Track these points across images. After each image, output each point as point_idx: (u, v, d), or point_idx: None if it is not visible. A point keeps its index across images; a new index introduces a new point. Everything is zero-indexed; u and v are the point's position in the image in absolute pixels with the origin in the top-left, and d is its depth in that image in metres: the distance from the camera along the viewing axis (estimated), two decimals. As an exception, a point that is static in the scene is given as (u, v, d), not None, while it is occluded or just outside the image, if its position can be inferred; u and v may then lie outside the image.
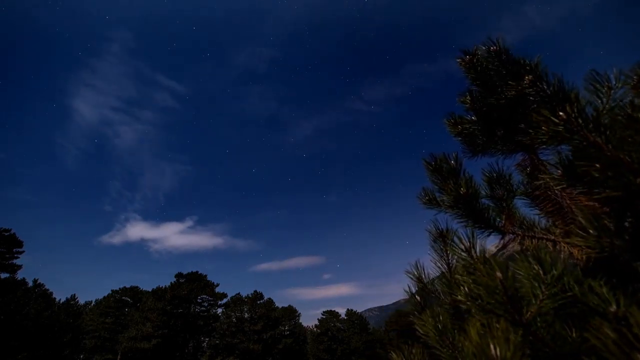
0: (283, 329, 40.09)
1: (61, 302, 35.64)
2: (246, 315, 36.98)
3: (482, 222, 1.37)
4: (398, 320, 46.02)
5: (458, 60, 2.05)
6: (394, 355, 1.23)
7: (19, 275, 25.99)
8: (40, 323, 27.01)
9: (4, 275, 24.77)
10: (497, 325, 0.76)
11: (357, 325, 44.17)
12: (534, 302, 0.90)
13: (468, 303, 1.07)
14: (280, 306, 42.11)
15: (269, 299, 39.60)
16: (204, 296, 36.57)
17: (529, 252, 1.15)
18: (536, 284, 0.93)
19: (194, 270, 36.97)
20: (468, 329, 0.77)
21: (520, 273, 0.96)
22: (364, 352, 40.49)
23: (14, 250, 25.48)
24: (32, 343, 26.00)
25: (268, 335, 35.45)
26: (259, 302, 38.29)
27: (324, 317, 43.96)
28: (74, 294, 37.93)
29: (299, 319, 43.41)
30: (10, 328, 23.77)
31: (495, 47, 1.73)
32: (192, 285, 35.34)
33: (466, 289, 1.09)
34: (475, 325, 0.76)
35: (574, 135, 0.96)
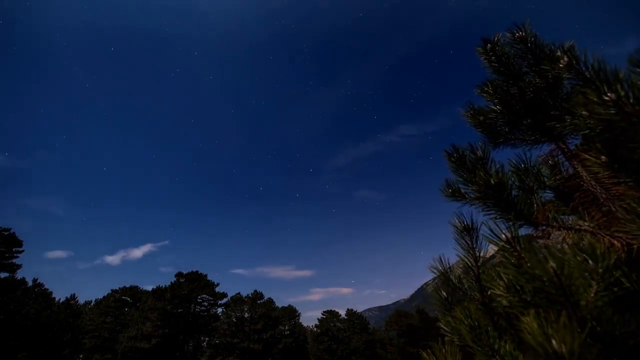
0: (283, 329, 39.99)
1: (61, 301, 35.52)
2: (246, 315, 36.88)
3: (513, 213, 1.31)
4: (398, 320, 45.97)
5: (478, 49, 1.98)
6: (425, 355, 1.16)
7: (18, 274, 25.90)
8: (40, 323, 26.90)
9: (3, 275, 24.67)
10: (557, 319, 0.69)
11: (357, 325, 44.09)
12: (586, 295, 0.83)
13: (509, 297, 1.00)
14: (280, 306, 42.04)
15: (269, 298, 39.53)
16: (204, 296, 36.47)
17: (567, 243, 1.08)
18: (587, 276, 0.86)
19: (194, 270, 36.87)
20: (526, 322, 0.70)
21: (569, 265, 0.89)
22: (364, 352, 40.41)
23: (14, 249, 25.37)
24: (32, 343, 25.89)
25: (268, 335, 35.35)
26: (259, 301, 38.19)
27: (324, 317, 43.88)
28: (74, 294, 37.86)
29: (298, 319, 43.30)
30: (10, 328, 23.66)
31: (521, 33, 1.66)
32: (192, 285, 35.24)
33: (505, 281, 1.03)
34: (533, 319, 0.69)
35: (628, 117, 0.90)
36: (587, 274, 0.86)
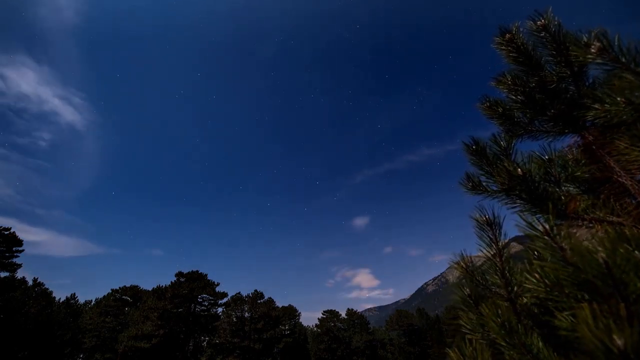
0: (283, 328, 39.92)
1: (61, 301, 35.49)
2: (246, 314, 36.83)
3: (541, 206, 1.25)
4: (398, 320, 45.96)
5: (496, 39, 1.93)
6: (452, 354, 1.11)
7: (18, 274, 25.87)
8: (40, 322, 26.85)
9: (3, 274, 24.62)
10: (616, 313, 0.64)
11: (358, 325, 44.08)
12: (635, 287, 0.78)
13: (546, 292, 0.95)
14: (280, 305, 41.97)
15: (270, 298, 39.46)
16: (204, 295, 36.40)
17: (603, 234, 1.02)
18: (634, 268, 0.81)
19: (195, 270, 36.76)
20: (581, 315, 0.65)
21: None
22: (365, 351, 40.39)
23: (14, 249, 25.33)
24: (32, 342, 25.84)
25: (268, 334, 35.30)
26: (259, 301, 38.13)
27: (325, 316, 43.83)
28: (74, 293, 37.88)
29: (298, 319, 43.23)
30: (10, 327, 23.61)
31: (543, 21, 1.60)
32: (193, 284, 35.16)
33: (540, 275, 0.97)
34: (589, 313, 0.64)
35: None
36: (634, 265, 0.80)
